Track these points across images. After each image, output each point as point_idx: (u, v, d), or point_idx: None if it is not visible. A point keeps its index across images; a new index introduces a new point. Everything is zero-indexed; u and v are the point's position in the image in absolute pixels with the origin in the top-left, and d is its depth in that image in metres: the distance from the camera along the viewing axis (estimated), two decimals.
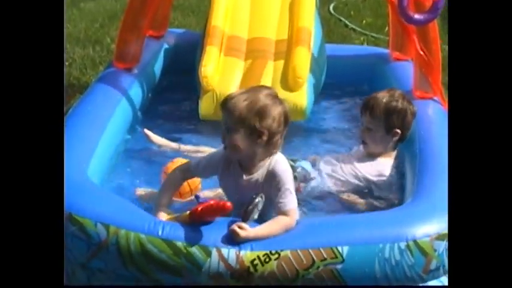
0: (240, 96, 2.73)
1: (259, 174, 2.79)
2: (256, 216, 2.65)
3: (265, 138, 2.71)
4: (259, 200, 2.63)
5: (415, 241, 2.64)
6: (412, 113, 3.50)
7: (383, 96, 3.50)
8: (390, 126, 3.45)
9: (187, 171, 2.94)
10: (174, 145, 3.77)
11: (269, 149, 2.76)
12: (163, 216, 2.74)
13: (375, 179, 3.41)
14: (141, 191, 3.30)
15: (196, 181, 3.22)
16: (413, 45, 3.90)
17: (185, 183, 3.11)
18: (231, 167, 2.86)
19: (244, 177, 2.80)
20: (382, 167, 3.45)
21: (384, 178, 3.41)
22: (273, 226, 2.65)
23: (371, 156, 3.50)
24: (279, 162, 2.77)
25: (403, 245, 2.63)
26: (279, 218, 2.69)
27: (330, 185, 3.40)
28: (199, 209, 2.58)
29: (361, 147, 3.55)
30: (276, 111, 2.72)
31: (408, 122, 3.49)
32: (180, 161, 3.25)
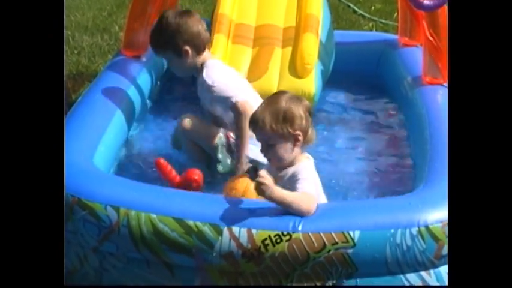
0: (263, 111, 2.85)
1: (288, 172, 2.84)
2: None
3: (301, 138, 2.83)
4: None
5: (427, 227, 2.63)
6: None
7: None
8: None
9: None
10: None
11: (304, 144, 2.87)
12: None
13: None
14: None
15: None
16: (423, 30, 3.88)
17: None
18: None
19: (278, 174, 2.88)
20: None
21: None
22: (289, 194, 2.63)
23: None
24: (305, 167, 2.84)
25: (414, 230, 2.62)
26: (298, 194, 2.68)
27: None
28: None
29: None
30: (299, 110, 2.84)
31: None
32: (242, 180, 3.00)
